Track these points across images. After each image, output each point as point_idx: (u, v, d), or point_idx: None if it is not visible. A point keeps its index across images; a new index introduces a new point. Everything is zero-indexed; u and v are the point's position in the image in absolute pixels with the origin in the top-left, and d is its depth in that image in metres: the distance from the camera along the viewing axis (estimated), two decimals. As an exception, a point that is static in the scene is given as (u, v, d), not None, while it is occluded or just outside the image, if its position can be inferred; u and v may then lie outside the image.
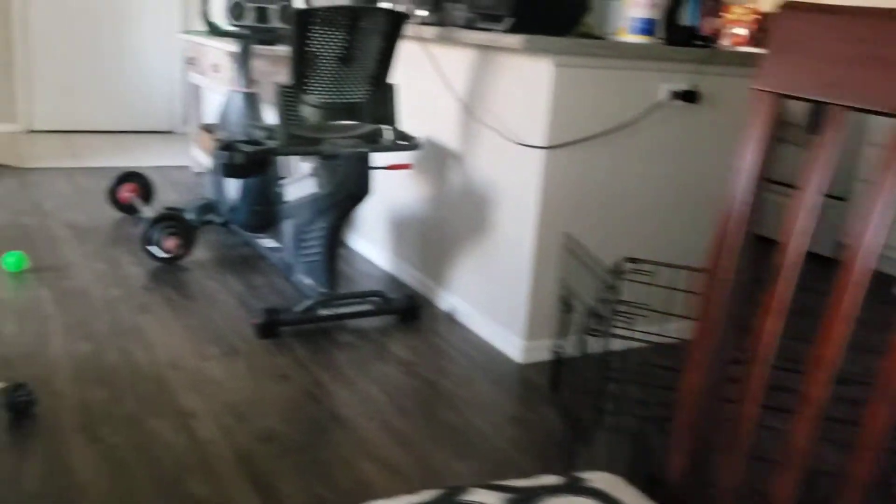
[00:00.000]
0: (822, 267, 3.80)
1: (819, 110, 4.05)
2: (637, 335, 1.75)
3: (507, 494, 0.87)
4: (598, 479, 0.93)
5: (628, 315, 1.77)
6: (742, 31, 5.00)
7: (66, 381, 2.24)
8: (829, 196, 4.05)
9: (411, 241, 3.21)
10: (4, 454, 1.87)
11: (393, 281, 3.27)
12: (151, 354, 2.45)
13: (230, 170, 2.46)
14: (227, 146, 2.49)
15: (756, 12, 4.93)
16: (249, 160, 2.48)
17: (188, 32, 4.80)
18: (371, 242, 3.54)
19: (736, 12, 4.98)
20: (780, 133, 4.10)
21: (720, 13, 3.03)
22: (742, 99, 2.75)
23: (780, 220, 4.20)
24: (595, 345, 2.02)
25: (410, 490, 1.83)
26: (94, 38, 5.94)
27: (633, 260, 1.80)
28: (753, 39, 4.97)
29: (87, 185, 4.50)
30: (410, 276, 3.22)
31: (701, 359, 0.93)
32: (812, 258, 4.09)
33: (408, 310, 2.84)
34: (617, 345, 1.86)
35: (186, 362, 2.41)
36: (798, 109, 4.11)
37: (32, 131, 5.93)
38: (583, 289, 2.21)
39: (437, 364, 2.53)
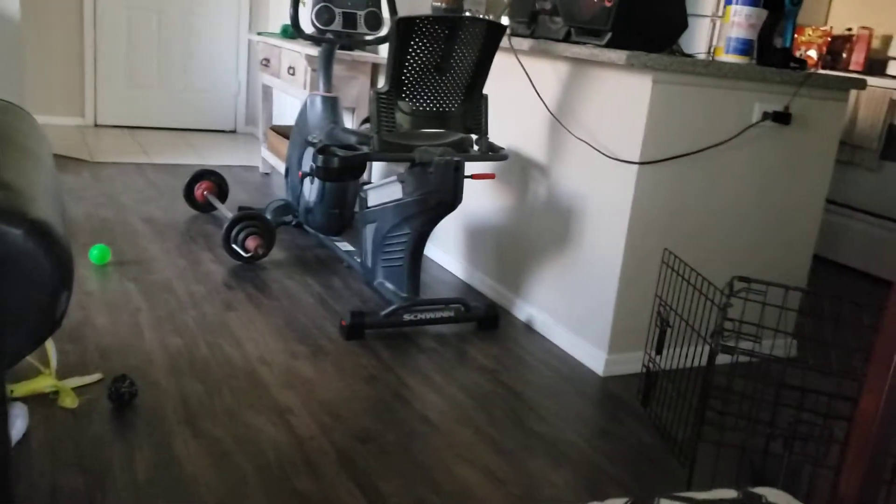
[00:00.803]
0: None
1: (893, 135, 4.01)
2: (747, 352, 1.75)
3: (695, 507, 0.88)
4: (772, 495, 0.94)
5: (737, 333, 1.77)
6: (812, 53, 4.97)
7: (163, 374, 2.29)
8: (903, 222, 4.01)
9: (488, 251, 3.24)
10: (114, 443, 1.92)
11: (467, 290, 3.30)
12: (241, 350, 2.49)
13: (327, 174, 2.51)
14: (323, 150, 2.53)
15: (828, 34, 4.89)
16: (345, 165, 2.52)
17: (261, 33, 4.88)
18: (445, 251, 3.57)
19: (808, 34, 4.95)
20: (851, 157, 4.06)
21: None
22: (831, 120, 2.74)
23: (848, 243, 4.15)
24: (693, 360, 2.02)
25: (511, 499, 1.85)
26: (161, 35, 6.05)
27: (743, 279, 1.80)
28: (822, 61, 4.94)
29: (159, 180, 4.59)
30: (485, 286, 3.24)
31: (878, 384, 0.94)
32: None
33: (487, 318, 2.86)
34: (720, 360, 1.86)
35: (276, 359, 2.46)
36: (871, 133, 4.07)
37: (98, 125, 6.06)
38: (679, 305, 2.22)
39: (520, 373, 2.55)
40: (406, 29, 2.48)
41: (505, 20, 3.22)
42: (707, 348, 1.99)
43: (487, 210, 3.23)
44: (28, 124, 1.91)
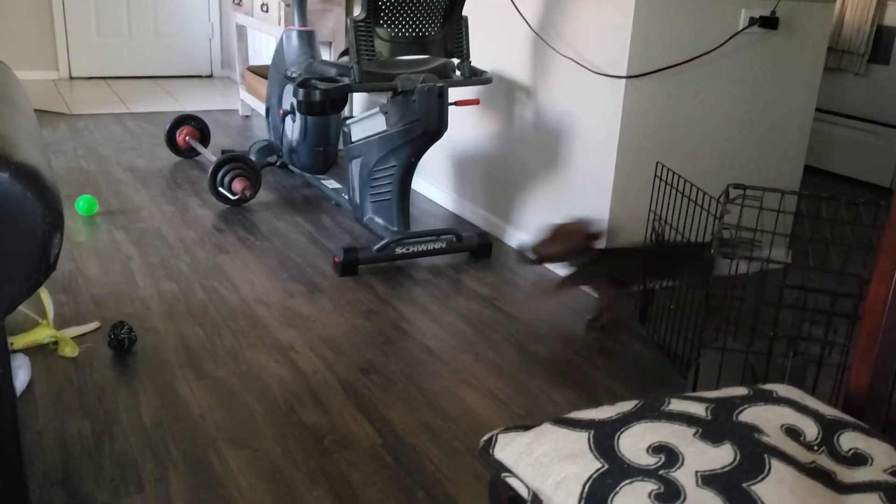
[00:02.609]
0: (883, 197, 3.78)
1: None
2: (747, 256, 1.76)
3: (706, 404, 0.89)
4: (782, 390, 0.95)
5: (735, 239, 1.77)
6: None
7: (160, 319, 2.29)
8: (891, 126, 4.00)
9: (476, 180, 3.21)
10: (118, 389, 1.92)
11: (457, 220, 3.29)
12: (237, 292, 2.49)
13: (309, 107, 2.46)
14: (303, 84, 2.48)
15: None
16: (328, 97, 2.47)
17: (231, -27, 4.74)
18: (432, 182, 3.54)
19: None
20: (839, 62, 4.02)
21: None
22: (818, 23, 2.70)
23: (837, 150, 4.13)
24: (693, 275, 2.03)
25: (515, 418, 1.87)
26: (130, -18, 5.89)
27: (739, 186, 1.79)
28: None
29: (138, 129, 4.51)
30: (475, 215, 3.23)
31: (888, 269, 0.93)
32: (872, 189, 4.06)
33: (480, 247, 2.86)
34: (718, 273, 1.87)
35: (273, 299, 2.45)
36: (858, 36, 4.03)
37: (73, 78, 5.93)
38: (674, 219, 2.22)
39: (516, 298, 2.56)
40: (381, -47, 2.40)
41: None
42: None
43: (473, 137, 3.20)
44: (7, 75, 1.85)
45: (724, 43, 2.52)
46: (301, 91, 2.49)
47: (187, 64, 6.23)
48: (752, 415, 0.87)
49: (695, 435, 0.82)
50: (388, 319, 2.36)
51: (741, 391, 0.94)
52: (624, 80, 2.42)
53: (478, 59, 3.12)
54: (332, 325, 2.30)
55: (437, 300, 2.51)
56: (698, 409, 0.87)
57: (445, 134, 3.37)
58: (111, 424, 1.77)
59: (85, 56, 5.91)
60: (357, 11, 4.02)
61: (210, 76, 6.31)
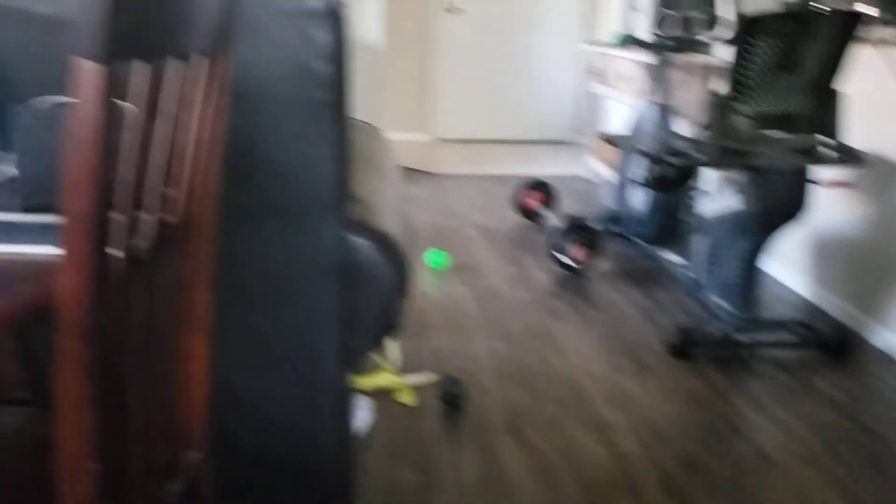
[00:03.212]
0: None
1: None
2: None
3: None
4: None
5: None
6: None
7: (490, 379, 2.36)
8: None
9: (839, 268, 2.89)
10: (442, 444, 2.01)
11: (812, 310, 2.98)
12: (565, 360, 2.49)
13: (660, 183, 2.41)
14: (655, 159, 2.44)
15: None
16: (677, 173, 2.40)
17: (592, 43, 4.88)
18: (788, 265, 3.26)
19: None
20: None
21: None
22: None
23: None
24: None
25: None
26: (498, 50, 6.32)
27: None
28: None
29: (493, 190, 4.79)
30: (834, 307, 2.90)
31: None
32: None
33: (837, 344, 2.55)
34: None
35: (600, 372, 2.41)
36: None
37: (441, 140, 6.49)
38: None
39: (878, 410, 2.23)
40: (749, 28, 2.30)
41: (863, 7, 2.86)
42: None
43: (840, 221, 2.89)
44: (380, 142, 2.07)
45: None
46: (651, 166, 2.45)
47: (548, 129, 6.50)
48: None
49: None
50: (719, 412, 2.19)
51: None
52: None
53: (852, 138, 2.82)
54: (657, 409, 2.19)
55: (780, 399, 2.28)
56: None
57: (810, 214, 3.09)
58: (434, 478, 1.85)
59: (454, 119, 6.44)
60: (719, 85, 3.89)
61: (568, 142, 6.52)
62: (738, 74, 2.36)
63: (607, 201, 4.59)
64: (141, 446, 0.91)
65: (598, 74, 4.74)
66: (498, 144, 6.39)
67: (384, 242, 1.28)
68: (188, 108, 0.84)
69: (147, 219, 0.78)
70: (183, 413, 1.04)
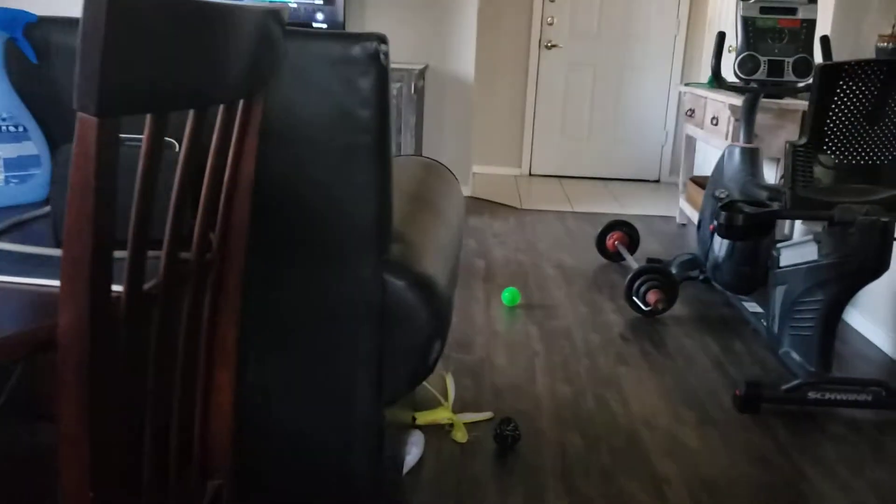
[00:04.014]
0: None
1: None
2: None
3: None
4: None
5: None
6: None
7: (547, 421, 2.34)
8: None
9: (928, 327, 2.74)
10: (489, 484, 2.01)
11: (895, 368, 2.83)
12: (626, 408, 2.44)
13: (730, 231, 2.36)
14: (728, 206, 2.39)
15: None
16: (751, 222, 2.34)
17: (689, 84, 4.82)
18: (874, 321, 3.11)
19: None
20: None
21: None
22: None
23: None
24: None
25: None
26: (595, 88, 6.31)
27: None
28: None
29: (576, 228, 4.76)
30: (923, 368, 2.75)
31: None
32: None
33: (919, 408, 2.42)
34: None
35: (660, 422, 2.36)
36: None
37: (532, 175, 6.51)
38: None
39: (957, 483, 2.10)
40: (831, 76, 2.23)
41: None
42: None
43: (931, 280, 2.74)
44: (443, 180, 2.11)
45: None
46: (724, 214, 2.40)
47: (638, 168, 6.43)
48: None
49: None
50: (783, 473, 2.11)
51: None
52: None
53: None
54: (716, 466, 2.13)
55: (850, 464, 2.17)
56: None
57: (889, 270, 2.95)
58: (476, 518, 1.85)
59: (546, 155, 6.45)
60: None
61: (657, 181, 6.43)
62: (816, 123, 2.29)
63: (695, 244, 4.49)
64: (164, 474, 0.96)
65: (691, 115, 4.66)
66: (589, 181, 6.36)
67: (422, 284, 1.31)
68: (214, 153, 0.90)
69: (163, 256, 0.84)
70: (207, 443, 1.09)
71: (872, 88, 2.25)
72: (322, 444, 1.38)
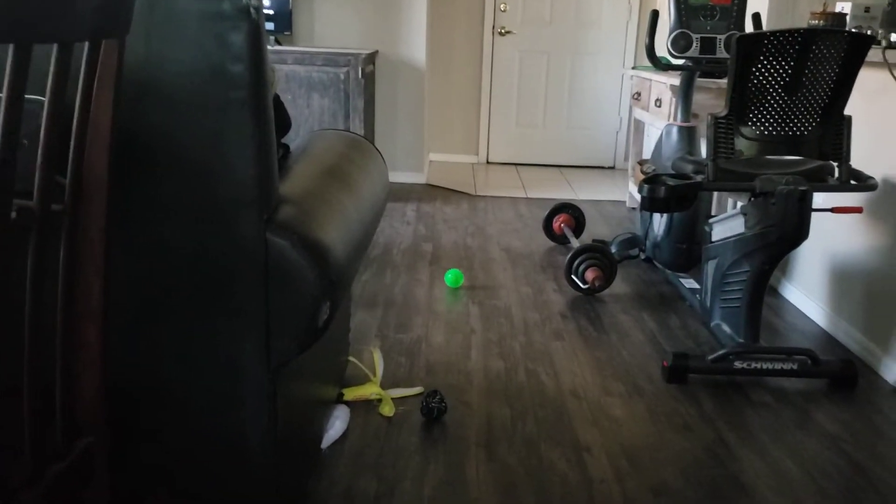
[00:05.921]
0: None
1: None
2: None
3: None
4: None
5: None
6: None
7: (476, 395, 2.35)
8: None
9: (855, 297, 2.78)
10: (411, 456, 2.01)
11: (827, 340, 2.87)
12: (556, 381, 2.46)
13: (653, 204, 2.38)
14: (651, 180, 2.41)
15: None
16: (672, 195, 2.36)
17: (636, 68, 4.85)
18: (806, 293, 3.15)
19: None
20: None
21: None
22: None
23: None
24: None
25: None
26: (549, 76, 6.32)
27: None
28: None
29: (527, 213, 4.78)
30: (849, 338, 2.79)
31: None
32: None
33: (842, 376, 2.45)
34: None
35: (589, 394, 2.37)
36: None
37: (489, 163, 6.52)
38: None
39: (874, 447, 2.13)
40: (749, 47, 2.25)
41: (874, 30, 2.77)
42: None
43: (856, 249, 2.79)
44: (366, 157, 2.09)
45: None
46: (646, 187, 2.42)
47: (592, 155, 6.46)
48: None
49: None
50: (704, 440, 2.13)
51: None
52: None
53: (863, 163, 2.73)
54: (638, 435, 2.15)
55: (771, 430, 2.20)
56: None
57: (828, 241, 2.99)
58: (393, 488, 1.86)
59: (503, 143, 6.46)
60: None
61: (612, 167, 6.46)
62: (736, 95, 2.31)
63: (635, 225, 4.53)
64: (29, 428, 0.95)
65: (637, 98, 4.70)
66: (546, 168, 6.38)
67: (308, 245, 1.30)
68: (50, 99, 0.88)
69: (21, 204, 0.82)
70: (75, 400, 1.08)
71: (789, 59, 2.27)
72: (213, 409, 1.37)
